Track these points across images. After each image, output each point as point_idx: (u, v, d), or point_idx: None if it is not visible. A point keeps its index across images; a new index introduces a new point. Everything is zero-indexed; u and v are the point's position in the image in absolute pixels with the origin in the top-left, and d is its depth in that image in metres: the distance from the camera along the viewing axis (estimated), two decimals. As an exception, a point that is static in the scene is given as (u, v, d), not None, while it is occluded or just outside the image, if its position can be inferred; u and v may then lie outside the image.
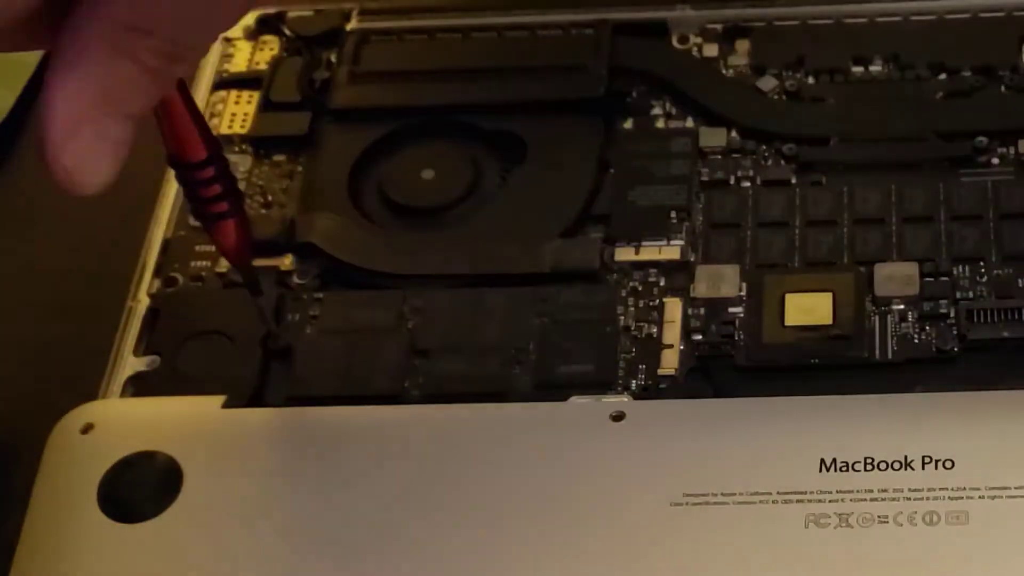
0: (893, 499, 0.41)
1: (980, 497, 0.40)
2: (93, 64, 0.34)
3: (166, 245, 0.50)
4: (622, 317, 0.47)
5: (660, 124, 0.52)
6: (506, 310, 0.47)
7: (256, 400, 0.46)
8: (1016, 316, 0.45)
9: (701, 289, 0.47)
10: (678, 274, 0.48)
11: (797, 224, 0.48)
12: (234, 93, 0.54)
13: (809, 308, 0.46)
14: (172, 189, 0.51)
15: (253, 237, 0.43)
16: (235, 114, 0.53)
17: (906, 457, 0.41)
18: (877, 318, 0.46)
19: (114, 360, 0.47)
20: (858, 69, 0.52)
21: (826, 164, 0.50)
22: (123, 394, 0.47)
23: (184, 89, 0.39)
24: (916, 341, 0.45)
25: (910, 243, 0.47)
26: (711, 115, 0.51)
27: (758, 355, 0.45)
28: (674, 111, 0.52)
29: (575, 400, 0.44)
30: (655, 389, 0.45)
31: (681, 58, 0.53)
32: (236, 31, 0.55)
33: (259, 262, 0.48)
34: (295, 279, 0.49)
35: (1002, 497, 0.40)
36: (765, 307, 0.46)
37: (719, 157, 0.50)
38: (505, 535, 0.41)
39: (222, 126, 0.53)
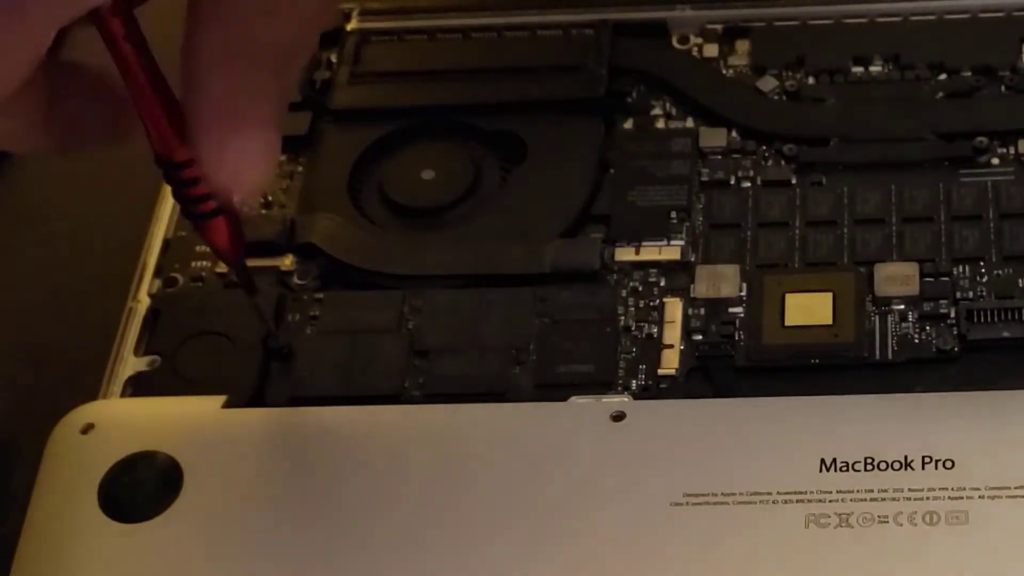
0: (893, 499, 0.41)
1: (980, 497, 0.40)
2: (224, 78, 0.36)
3: (166, 245, 0.50)
4: (622, 317, 0.47)
5: (660, 124, 0.52)
6: (506, 310, 0.47)
7: (256, 400, 0.46)
8: (1016, 316, 0.45)
9: (701, 289, 0.47)
10: (678, 274, 0.48)
11: (797, 224, 0.48)
12: (234, 93, 0.54)
13: (809, 308, 0.46)
14: (172, 189, 0.51)
15: (244, 236, 0.43)
16: (235, 114, 0.53)
17: (906, 457, 0.41)
18: (877, 318, 0.46)
19: (114, 360, 0.47)
20: (858, 69, 0.52)
21: (826, 164, 0.50)
22: (123, 394, 0.47)
23: (167, 90, 0.39)
24: (916, 341, 0.45)
25: (910, 243, 0.47)
26: (711, 115, 0.51)
27: (758, 355, 0.45)
28: (674, 111, 0.52)
29: (575, 400, 0.44)
30: (655, 389, 0.45)
31: (681, 58, 0.53)
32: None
33: (259, 262, 0.48)
34: (295, 279, 0.49)
35: (1002, 497, 0.40)
36: (765, 307, 0.46)
37: (719, 157, 0.50)
38: (505, 535, 0.41)
39: (222, 126, 0.52)
